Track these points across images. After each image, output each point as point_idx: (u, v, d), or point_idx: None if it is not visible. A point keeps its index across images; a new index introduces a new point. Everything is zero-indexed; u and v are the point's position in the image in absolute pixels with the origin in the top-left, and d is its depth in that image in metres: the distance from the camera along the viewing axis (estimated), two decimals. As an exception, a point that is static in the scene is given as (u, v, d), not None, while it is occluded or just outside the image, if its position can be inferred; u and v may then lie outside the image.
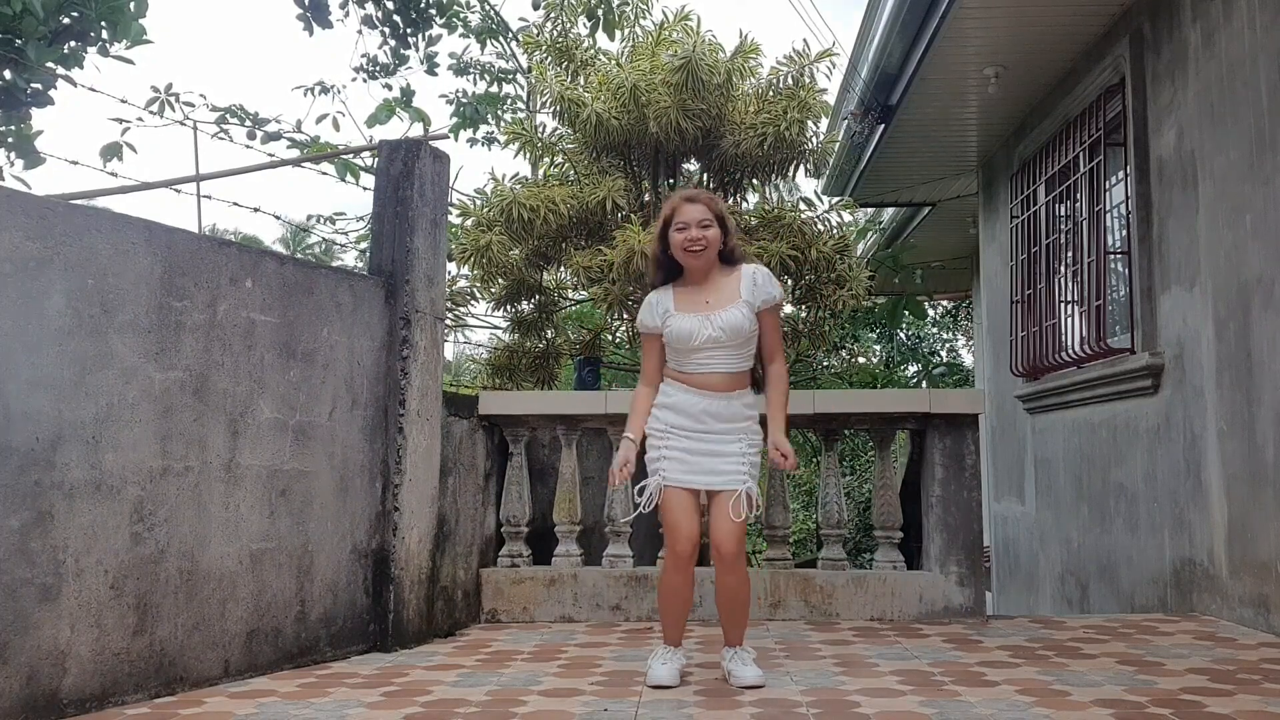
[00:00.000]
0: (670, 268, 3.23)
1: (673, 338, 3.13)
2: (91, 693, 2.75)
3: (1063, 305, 6.09)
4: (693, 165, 5.92)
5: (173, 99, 6.34)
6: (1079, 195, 5.79)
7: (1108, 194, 5.52)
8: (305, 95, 8.55)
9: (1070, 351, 5.72)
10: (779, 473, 4.54)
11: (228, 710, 2.78)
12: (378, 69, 8.00)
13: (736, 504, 3.00)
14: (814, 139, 5.50)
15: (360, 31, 7.38)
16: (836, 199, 6.00)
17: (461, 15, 8.95)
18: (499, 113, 9.74)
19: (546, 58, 5.75)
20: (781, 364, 3.24)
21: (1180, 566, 4.59)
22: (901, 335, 13.55)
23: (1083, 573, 5.80)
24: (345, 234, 8.91)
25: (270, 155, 6.52)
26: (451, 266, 5.45)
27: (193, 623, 3.02)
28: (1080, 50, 5.69)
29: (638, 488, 3.14)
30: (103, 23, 5.05)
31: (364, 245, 8.28)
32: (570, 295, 6.46)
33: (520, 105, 10.42)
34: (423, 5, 7.19)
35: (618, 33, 6.55)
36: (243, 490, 3.20)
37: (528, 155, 5.88)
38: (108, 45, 5.24)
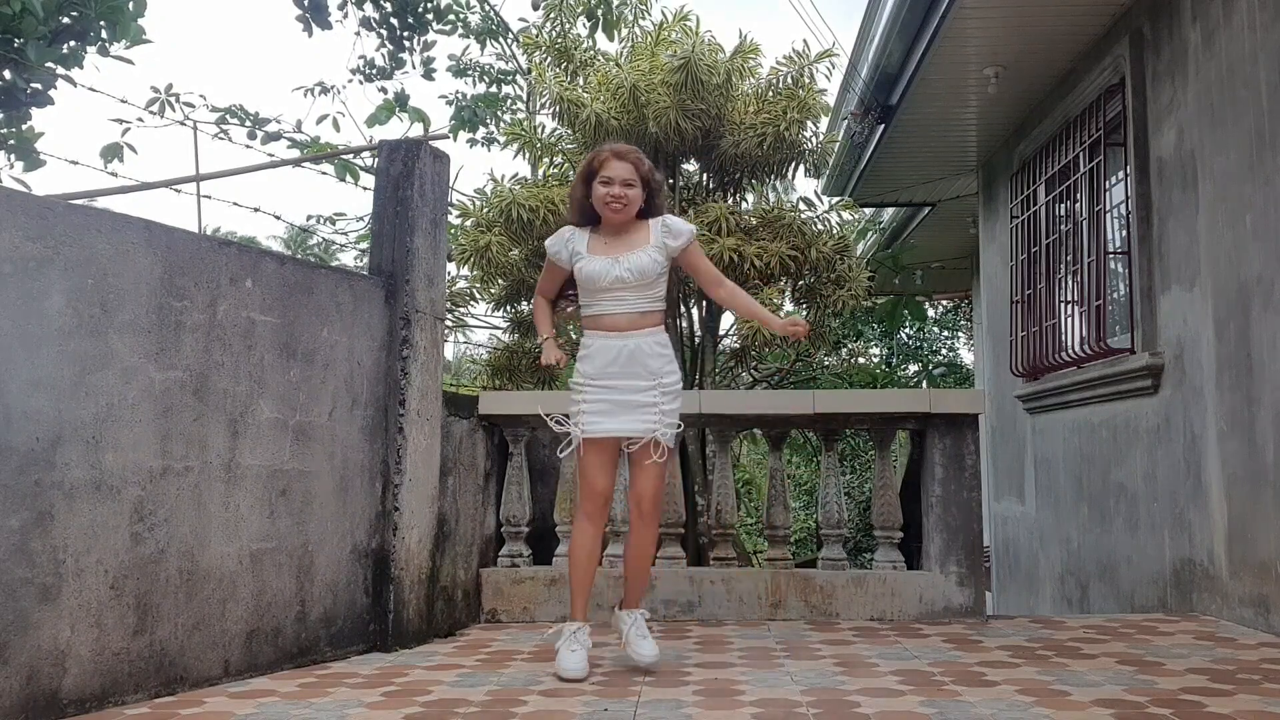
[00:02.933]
0: (588, 213, 3.34)
1: (583, 278, 3.28)
2: (91, 693, 2.75)
3: (1063, 305, 6.09)
4: (692, 165, 5.93)
5: (173, 99, 6.34)
6: (1079, 195, 5.79)
7: (1108, 194, 5.52)
8: (305, 96, 8.55)
9: (1070, 351, 5.72)
10: (779, 473, 4.55)
11: (228, 710, 2.78)
12: (375, 71, 8.00)
13: (649, 449, 3.17)
14: (814, 139, 5.51)
15: (358, 33, 7.38)
16: (836, 199, 6.01)
17: (461, 16, 8.94)
18: (498, 114, 9.73)
19: (546, 58, 5.76)
20: (728, 281, 3.42)
21: (1180, 566, 4.59)
22: (902, 335, 13.55)
23: (1083, 573, 5.80)
24: (345, 234, 8.92)
25: (270, 155, 6.51)
26: (451, 267, 5.45)
27: (193, 623, 3.02)
28: (1080, 50, 5.69)
29: (562, 444, 3.30)
30: (102, 22, 5.05)
31: (364, 245, 8.28)
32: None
33: (520, 106, 10.42)
34: (420, 9, 7.19)
35: (617, 33, 6.54)
36: (243, 490, 3.20)
37: (527, 156, 5.89)
38: (107, 45, 5.24)
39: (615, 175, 3.23)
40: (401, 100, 7.74)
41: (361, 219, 8.32)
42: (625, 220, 3.29)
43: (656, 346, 3.26)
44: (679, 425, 3.29)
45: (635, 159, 3.29)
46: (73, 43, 5.09)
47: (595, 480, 3.24)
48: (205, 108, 6.78)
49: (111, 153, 5.78)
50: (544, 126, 6.19)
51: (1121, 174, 5.30)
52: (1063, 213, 6.14)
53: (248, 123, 7.00)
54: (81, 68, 5.14)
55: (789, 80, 5.43)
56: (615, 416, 3.20)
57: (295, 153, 7.08)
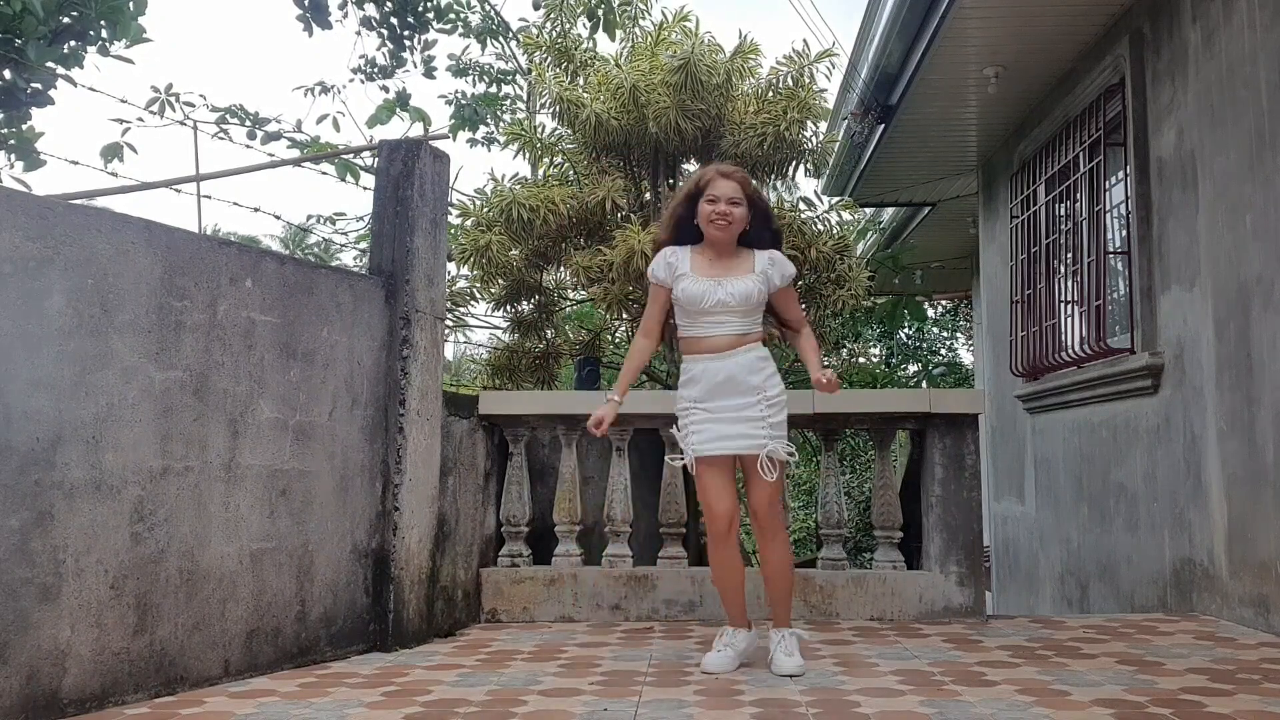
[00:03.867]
0: (685, 232, 3.33)
1: (684, 298, 3.25)
2: (91, 692, 2.75)
3: (1063, 305, 6.09)
4: (692, 165, 5.92)
5: (173, 99, 6.34)
6: (1079, 195, 5.79)
7: (1108, 194, 5.52)
8: (305, 95, 8.55)
9: (1070, 351, 5.72)
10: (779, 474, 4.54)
11: (228, 710, 2.78)
12: (375, 71, 8.00)
13: (764, 466, 3.16)
14: (814, 139, 5.50)
15: (359, 33, 7.38)
16: (836, 199, 6.00)
17: (462, 15, 8.94)
18: (498, 113, 9.73)
19: (546, 58, 5.75)
20: (807, 327, 3.48)
21: (1180, 566, 4.59)
22: (902, 335, 13.55)
23: (1083, 573, 5.80)
24: (345, 234, 8.92)
25: (270, 155, 6.51)
26: (451, 266, 5.45)
27: (193, 622, 3.02)
28: (1080, 50, 5.69)
29: (673, 458, 3.30)
30: (102, 22, 5.05)
31: (364, 245, 8.28)
32: (570, 295, 6.46)
33: (520, 106, 10.42)
34: (420, 9, 7.19)
35: (617, 33, 6.54)
36: (243, 490, 3.20)
37: (527, 156, 5.89)
38: (107, 45, 5.24)
39: (721, 193, 3.23)
40: (403, 99, 7.74)
41: (361, 219, 8.32)
42: (729, 239, 3.28)
43: (758, 361, 3.25)
44: (786, 440, 3.27)
45: (741, 178, 3.30)
46: (73, 42, 5.09)
47: (715, 503, 3.20)
48: (205, 108, 6.78)
49: (111, 152, 5.77)
50: (544, 126, 6.19)
51: (1121, 174, 5.30)
52: (1063, 213, 6.14)
53: (248, 122, 7.00)
54: (81, 68, 5.15)
55: (789, 80, 5.42)
56: (725, 436, 3.18)
57: (295, 153, 7.08)
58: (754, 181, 3.36)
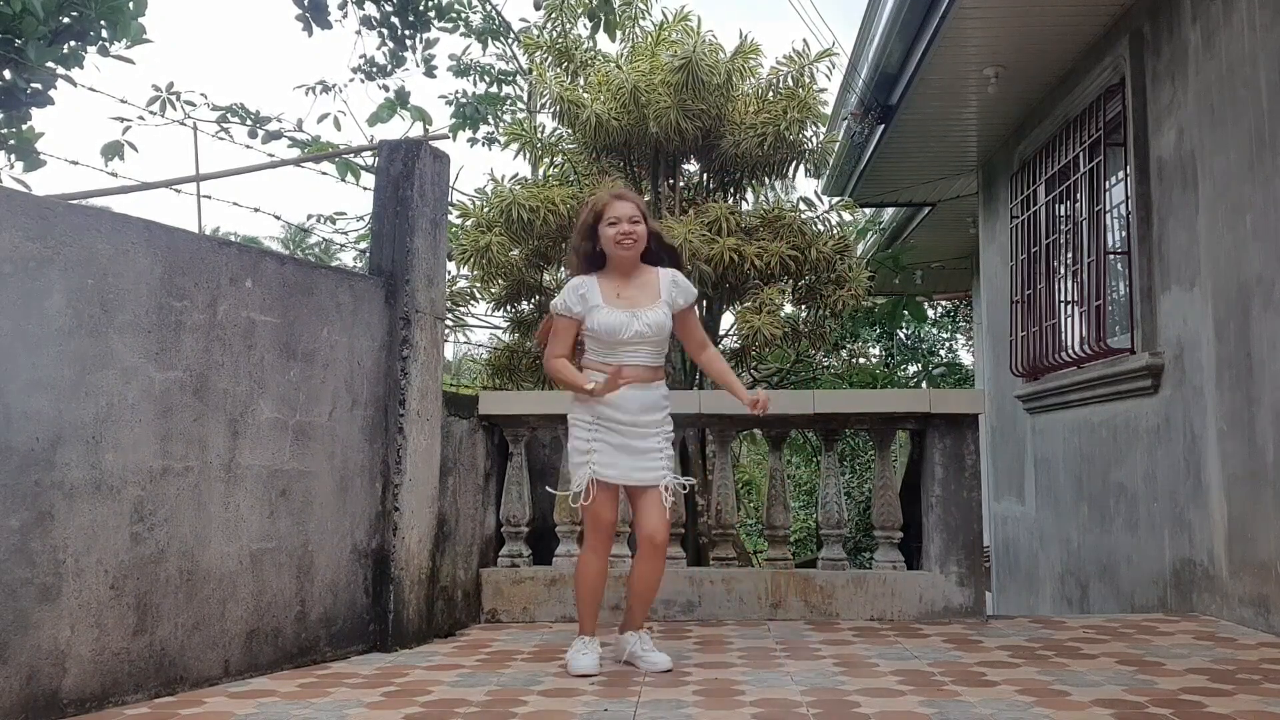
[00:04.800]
0: (592, 261, 3.40)
1: (602, 329, 3.29)
2: (91, 693, 2.75)
3: (1063, 305, 6.09)
4: (692, 165, 5.93)
5: (173, 98, 6.34)
6: (1079, 195, 5.79)
7: (1108, 194, 5.52)
8: (306, 95, 8.56)
9: (1070, 351, 5.72)
10: (779, 474, 4.55)
11: (228, 710, 2.78)
12: (376, 70, 8.00)
13: (663, 497, 3.27)
14: (814, 139, 5.50)
15: (359, 32, 7.38)
16: (836, 199, 6.00)
17: (463, 15, 8.94)
18: (499, 113, 9.73)
19: (546, 58, 5.75)
20: (711, 346, 3.60)
21: (1180, 566, 4.59)
22: (901, 335, 13.54)
23: (1083, 573, 5.80)
24: (345, 234, 8.92)
25: (270, 155, 6.51)
26: (451, 266, 5.45)
27: (193, 623, 3.02)
28: (1080, 50, 5.69)
29: (571, 484, 3.34)
30: (102, 22, 5.05)
31: (364, 245, 8.28)
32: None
33: (520, 106, 10.42)
34: (420, 8, 7.19)
35: (618, 33, 6.54)
36: (243, 490, 3.20)
37: (527, 156, 5.89)
38: (107, 45, 5.24)
39: (621, 214, 3.32)
40: (403, 98, 7.74)
41: (361, 219, 8.32)
42: (634, 258, 3.35)
43: (664, 401, 3.37)
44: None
45: (634, 199, 3.42)
46: (73, 43, 5.09)
47: (603, 515, 3.30)
48: (206, 107, 6.79)
49: (112, 151, 5.78)
50: (544, 127, 6.19)
51: (1121, 174, 5.30)
52: (1063, 213, 6.14)
53: (248, 122, 7.00)
54: (81, 68, 5.15)
55: (789, 80, 5.43)
56: (624, 464, 3.26)
57: (295, 152, 7.08)
58: (641, 199, 3.48)
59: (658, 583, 3.41)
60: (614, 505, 3.34)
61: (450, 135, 8.30)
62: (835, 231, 5.66)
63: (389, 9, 7.14)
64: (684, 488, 3.46)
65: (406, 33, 7.27)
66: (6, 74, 4.97)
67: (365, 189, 6.72)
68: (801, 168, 5.64)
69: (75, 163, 4.89)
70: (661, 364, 3.40)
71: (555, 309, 3.40)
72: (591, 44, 6.04)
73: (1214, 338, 4.28)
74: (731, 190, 5.82)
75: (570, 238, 3.60)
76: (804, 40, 11.28)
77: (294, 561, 3.36)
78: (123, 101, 5.40)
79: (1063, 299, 6.09)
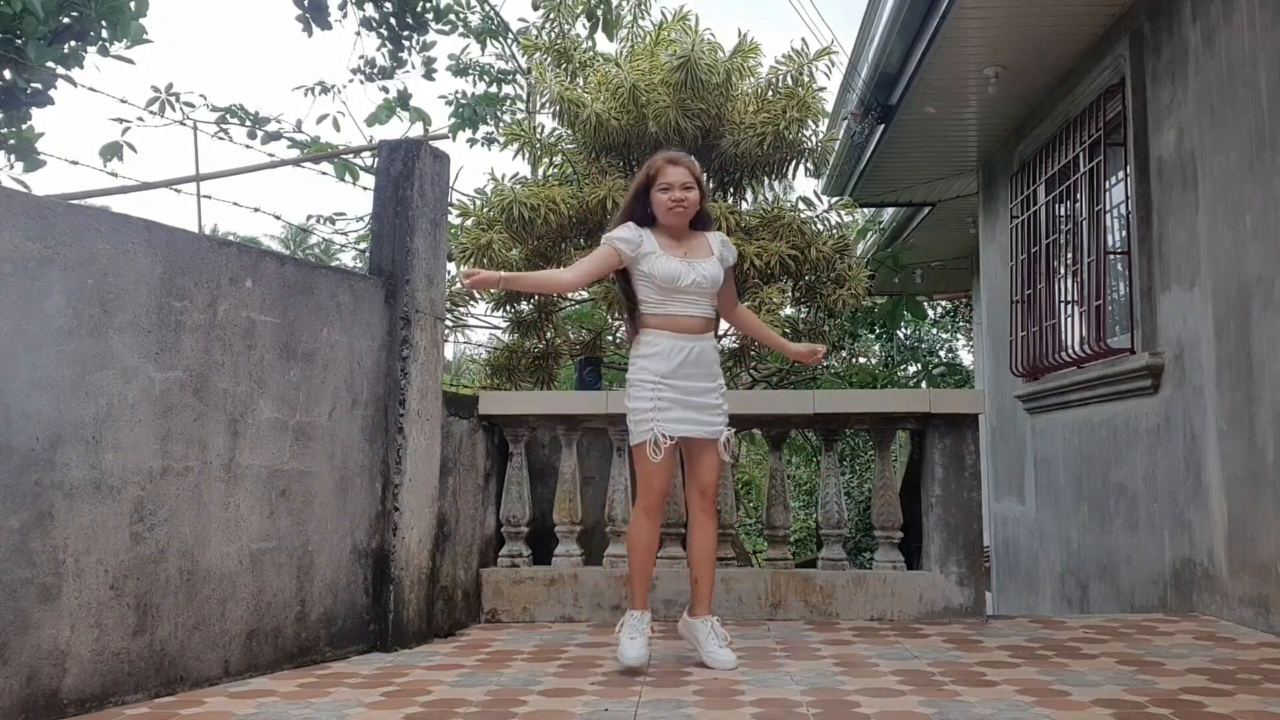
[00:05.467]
0: (642, 223, 3.40)
1: (660, 275, 3.30)
2: (91, 693, 2.75)
3: (1063, 305, 6.09)
4: (692, 165, 5.92)
5: (173, 99, 6.34)
6: (1079, 195, 5.79)
7: (1108, 194, 5.52)
8: (305, 95, 8.56)
9: (1070, 351, 5.72)
10: (779, 474, 4.55)
11: (228, 710, 2.78)
12: (375, 71, 8.01)
13: (724, 447, 3.33)
14: (813, 139, 5.50)
15: (358, 33, 7.39)
16: (836, 199, 5.99)
17: (461, 15, 8.94)
18: (498, 113, 9.73)
19: (546, 58, 5.75)
20: (740, 304, 3.66)
21: (1180, 566, 4.59)
22: (901, 335, 13.54)
23: (1083, 573, 5.80)
24: (345, 234, 8.92)
25: (270, 155, 6.52)
26: (451, 266, 5.45)
27: (193, 623, 3.02)
28: (1080, 50, 5.69)
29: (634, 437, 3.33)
30: (103, 22, 5.05)
31: (364, 245, 8.28)
32: (570, 295, 6.45)
33: (520, 106, 10.42)
34: (419, 9, 7.19)
35: (617, 33, 6.54)
36: (243, 490, 3.20)
37: (527, 155, 5.88)
38: (108, 45, 5.24)
39: (674, 180, 3.33)
40: (403, 99, 7.75)
41: (361, 219, 8.32)
42: (684, 224, 3.39)
43: (714, 352, 3.44)
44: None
45: (688, 163, 3.40)
46: (73, 43, 5.09)
47: (657, 479, 3.29)
48: (205, 107, 6.80)
49: (111, 151, 5.78)
50: (544, 126, 6.19)
51: (1121, 174, 5.30)
52: (1063, 213, 6.14)
53: (248, 122, 7.01)
54: (81, 68, 5.15)
55: (789, 80, 5.42)
56: (686, 418, 3.29)
57: (295, 152, 7.09)
58: (697, 163, 3.49)
59: (711, 547, 3.41)
60: (670, 468, 3.33)
61: (450, 135, 8.31)
62: (835, 231, 5.66)
63: (388, 9, 7.15)
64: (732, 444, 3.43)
65: (405, 33, 7.28)
66: (6, 74, 4.97)
67: (365, 189, 6.73)
68: (801, 167, 5.64)
69: (75, 163, 4.90)
70: (713, 317, 3.43)
71: (606, 237, 3.41)
72: (590, 44, 6.04)
73: (1214, 338, 4.28)
74: (731, 190, 5.82)
75: (624, 198, 3.58)
76: (803, 39, 11.27)
77: (294, 561, 3.36)
78: (122, 101, 5.40)
79: (1063, 299, 6.09)
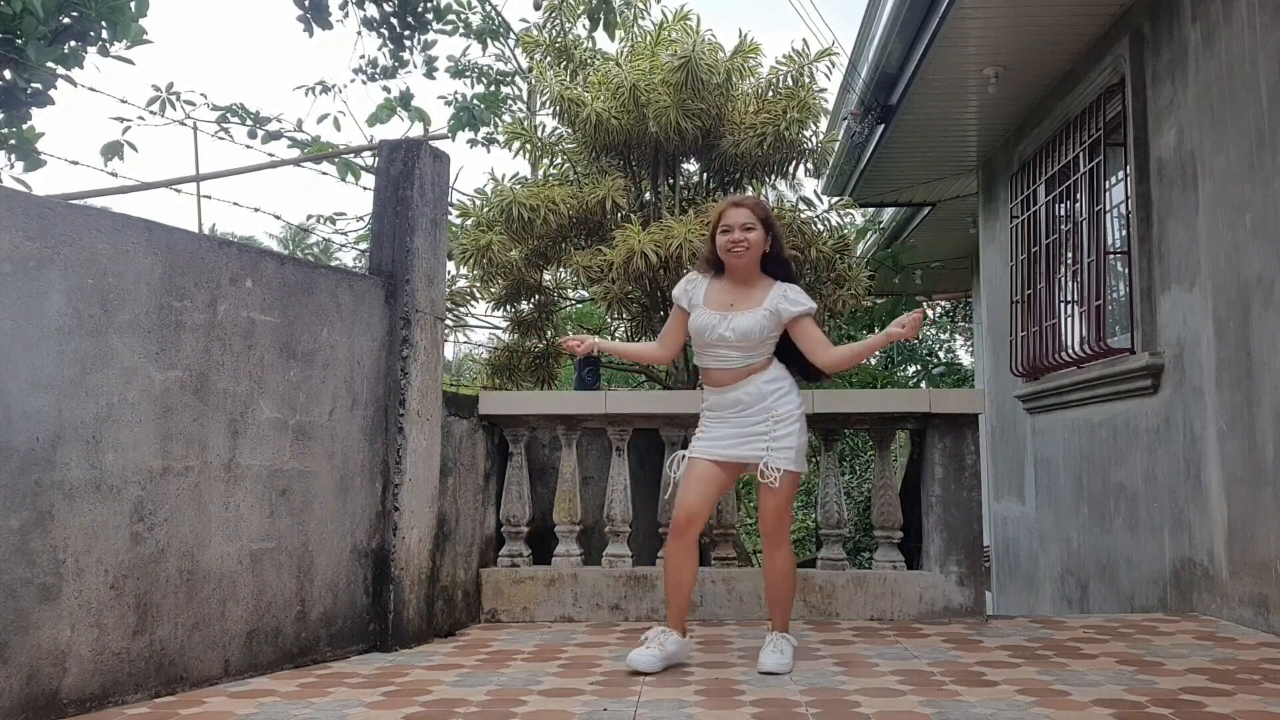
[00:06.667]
0: (716, 266, 3.46)
1: (693, 330, 3.40)
2: (91, 692, 2.75)
3: (1063, 305, 6.09)
4: (692, 165, 5.92)
5: (173, 98, 6.35)
6: (1079, 195, 5.79)
7: (1108, 194, 5.52)
8: (306, 95, 8.57)
9: (1070, 351, 5.72)
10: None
11: (228, 710, 2.78)
12: (377, 71, 8.01)
13: (764, 472, 3.22)
14: (814, 139, 5.50)
15: (359, 33, 7.40)
16: (836, 199, 5.99)
17: (463, 15, 8.94)
18: (498, 114, 9.74)
19: (546, 58, 5.75)
20: (834, 347, 3.39)
21: (1180, 566, 4.59)
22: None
23: (1083, 573, 5.80)
24: (345, 234, 8.93)
25: (270, 155, 6.51)
26: (451, 266, 5.45)
27: (193, 622, 3.02)
28: (1080, 50, 5.69)
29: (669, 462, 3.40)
30: (103, 22, 5.05)
31: (364, 245, 8.28)
32: (570, 295, 6.46)
33: (520, 106, 10.42)
34: (420, 9, 7.20)
35: (617, 32, 6.54)
36: (243, 490, 3.20)
37: (527, 155, 5.88)
38: (108, 45, 5.24)
39: (734, 222, 3.34)
40: (405, 99, 7.75)
41: (361, 219, 8.32)
42: (748, 265, 3.36)
43: (764, 385, 3.32)
44: (794, 454, 3.26)
45: (752, 204, 3.41)
46: (73, 43, 5.10)
47: (684, 498, 3.29)
48: (206, 107, 6.80)
49: (112, 151, 5.78)
50: (544, 126, 6.19)
51: (1121, 174, 5.30)
52: (1063, 213, 6.14)
53: (248, 122, 7.01)
54: (82, 68, 5.15)
55: (789, 80, 5.42)
56: (722, 443, 3.31)
57: (295, 152, 7.09)
58: (765, 204, 3.46)
59: (783, 576, 3.33)
60: (700, 492, 3.27)
61: (450, 135, 8.31)
62: (835, 231, 5.65)
63: (389, 9, 7.15)
64: (793, 468, 3.25)
65: (406, 34, 7.29)
66: (6, 74, 4.97)
67: (365, 189, 6.73)
68: (801, 168, 5.64)
69: (75, 163, 4.89)
70: (756, 363, 3.32)
71: (674, 294, 3.54)
72: (591, 43, 6.03)
73: (1214, 338, 4.28)
74: (731, 190, 5.82)
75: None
76: (804, 40, 11.27)
77: (294, 561, 3.36)
78: (123, 101, 5.39)
79: (1063, 299, 6.10)
